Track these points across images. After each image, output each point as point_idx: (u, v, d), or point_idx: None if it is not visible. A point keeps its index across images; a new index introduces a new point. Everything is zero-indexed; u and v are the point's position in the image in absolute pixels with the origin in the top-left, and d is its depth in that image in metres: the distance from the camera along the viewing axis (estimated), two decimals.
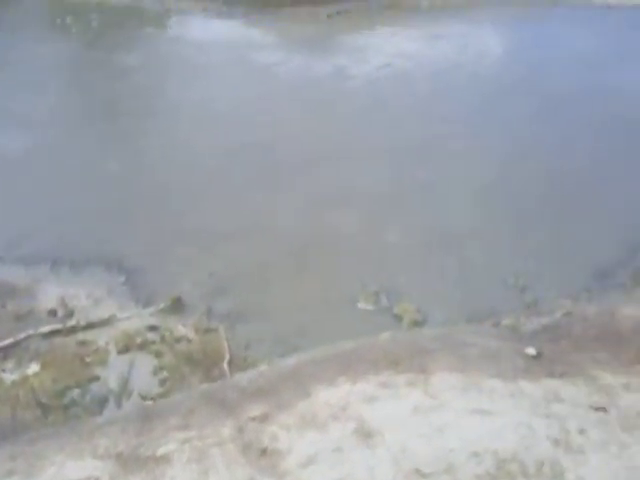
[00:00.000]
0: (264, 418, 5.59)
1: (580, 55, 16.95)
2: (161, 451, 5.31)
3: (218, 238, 9.56)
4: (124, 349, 7.59)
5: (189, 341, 7.74)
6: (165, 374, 7.20)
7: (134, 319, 8.11)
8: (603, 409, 5.53)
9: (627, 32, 19.00)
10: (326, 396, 5.82)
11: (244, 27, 19.36)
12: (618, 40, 18.31)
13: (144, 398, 6.83)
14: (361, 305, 8.42)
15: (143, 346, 7.62)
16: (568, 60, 16.59)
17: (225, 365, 7.32)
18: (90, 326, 7.96)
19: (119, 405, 6.79)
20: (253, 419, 5.58)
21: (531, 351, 6.53)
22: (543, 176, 11.18)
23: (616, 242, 9.58)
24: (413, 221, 9.94)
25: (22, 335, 7.70)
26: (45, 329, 7.84)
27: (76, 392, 6.94)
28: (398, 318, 8.18)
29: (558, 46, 17.80)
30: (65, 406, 6.73)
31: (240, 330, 7.93)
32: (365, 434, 5.28)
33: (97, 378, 7.13)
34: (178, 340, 7.74)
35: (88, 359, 7.43)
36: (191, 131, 12.78)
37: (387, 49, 17.14)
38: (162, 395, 6.82)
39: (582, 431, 5.26)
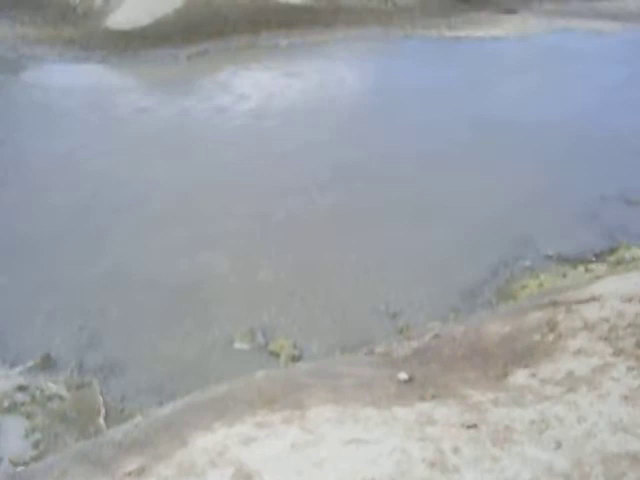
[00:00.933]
0: (140, 472, 5.44)
1: (431, 84, 17.86)
2: None
3: (85, 289, 9.28)
4: None
5: (62, 399, 7.47)
6: (38, 436, 6.92)
7: (1, 381, 7.73)
8: (474, 426, 5.68)
9: (474, 61, 20.19)
10: (203, 442, 5.73)
11: (103, 71, 19.05)
12: (467, 68, 19.36)
13: (15, 464, 6.51)
14: (237, 345, 8.36)
15: (12, 408, 7.27)
16: (420, 90, 17.38)
17: (101, 420, 7.10)
18: None
19: None
20: (129, 474, 5.42)
21: (403, 376, 6.66)
22: (399, 200, 11.55)
23: (478, 261, 9.97)
24: (283, 257, 9.98)
25: None
26: None
27: None
28: (275, 355, 8.19)
29: (411, 76, 18.61)
30: None
31: (115, 382, 7.73)
32: (244, 477, 5.21)
33: None
34: (50, 398, 7.45)
35: None
36: (48, 184, 12.38)
37: (247, 88, 17.34)
38: (36, 458, 6.53)
39: (456, 450, 5.39)
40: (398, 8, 24.69)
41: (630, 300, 7.75)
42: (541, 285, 9.62)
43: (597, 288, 8.48)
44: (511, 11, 26.32)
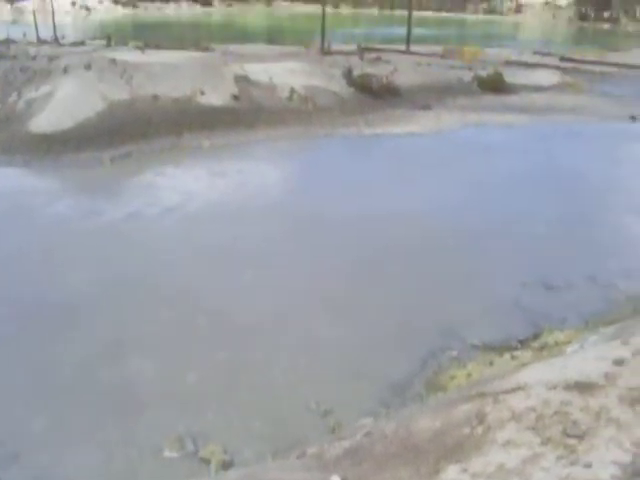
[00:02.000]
0: None
1: (347, 181, 18.42)
2: None
3: None
4: None
5: None
6: None
7: None
8: None
9: (390, 157, 21.06)
10: None
11: (25, 175, 18.90)
12: (384, 164, 20.06)
13: None
14: (167, 453, 8.14)
15: None
16: (343, 188, 17.84)
17: None
18: None
19: None
20: None
21: (335, 479, 6.57)
22: (318, 294, 11.64)
23: (406, 353, 10.04)
24: (211, 358, 9.87)
25: None
26: None
27: None
28: (206, 462, 7.98)
29: (330, 174, 19.13)
30: None
31: None
32: None
33: None
34: None
35: None
36: None
37: (170, 189, 17.45)
38: None
39: None
40: (318, 108, 25.54)
41: (555, 387, 7.89)
42: (469, 375, 9.66)
43: (522, 376, 8.61)
44: (426, 107, 27.50)
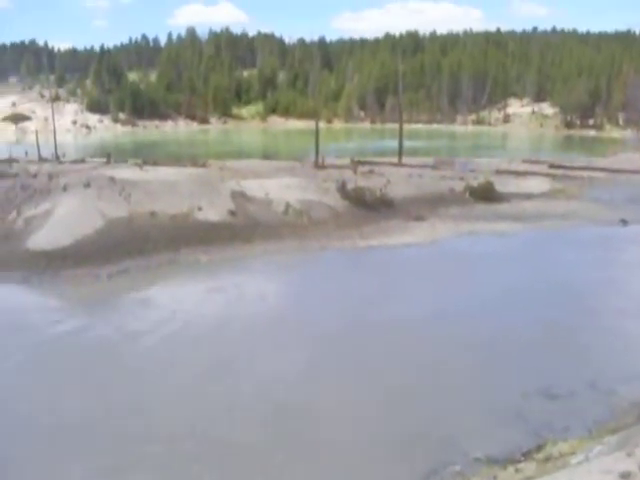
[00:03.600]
0: None
1: (343, 293, 18.56)
2: None
3: None
4: None
5: None
6: None
7: None
8: None
9: (386, 268, 21.27)
10: None
11: (24, 291, 19.00)
12: (379, 276, 20.22)
13: None
14: None
15: None
16: (338, 302, 17.93)
17: None
18: None
19: None
20: None
21: None
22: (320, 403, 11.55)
23: (407, 469, 9.87)
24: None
25: None
26: None
27: None
28: None
29: (325, 287, 19.28)
30: None
31: None
32: None
33: None
34: None
35: None
36: None
37: (168, 305, 17.53)
38: None
39: None
40: (313, 221, 25.95)
41: None
42: None
43: None
44: (420, 218, 27.92)
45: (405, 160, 43.51)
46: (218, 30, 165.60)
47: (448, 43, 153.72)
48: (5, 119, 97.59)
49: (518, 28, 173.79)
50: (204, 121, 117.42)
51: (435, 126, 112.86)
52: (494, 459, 10.20)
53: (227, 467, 10.16)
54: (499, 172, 39.59)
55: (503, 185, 34.15)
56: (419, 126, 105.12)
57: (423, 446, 10.62)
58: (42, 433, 11.11)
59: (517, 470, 9.84)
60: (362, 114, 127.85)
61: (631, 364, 13.69)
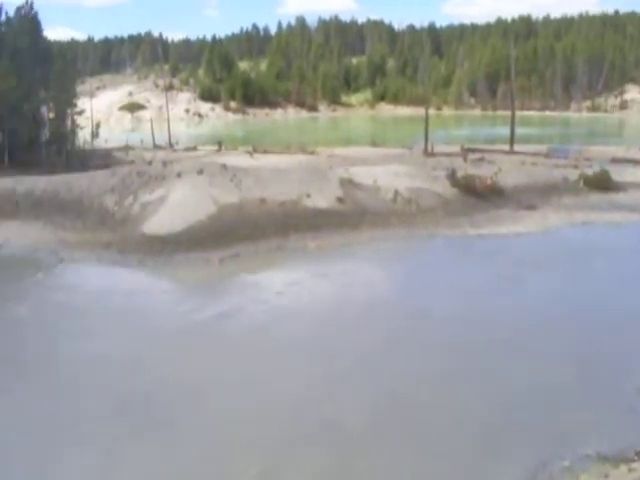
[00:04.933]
0: None
1: (460, 282, 18.28)
2: None
3: None
4: None
5: None
6: None
7: None
8: None
9: (498, 258, 20.79)
10: None
11: (140, 274, 19.72)
12: (491, 266, 19.89)
13: None
14: None
15: None
16: (448, 291, 17.79)
17: None
18: None
19: None
20: None
21: None
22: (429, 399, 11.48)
23: (515, 463, 9.72)
24: None
25: None
26: None
27: None
28: None
29: (435, 276, 19.09)
30: None
31: None
32: None
33: None
34: None
35: None
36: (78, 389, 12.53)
37: (274, 290, 17.84)
38: None
39: None
40: (421, 209, 25.75)
41: None
42: None
43: None
44: (531, 207, 27.24)
45: (517, 148, 42.52)
46: (327, 18, 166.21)
47: (562, 27, 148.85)
48: (122, 108, 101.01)
49: (638, 9, 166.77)
50: (313, 109, 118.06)
51: (548, 113, 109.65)
52: (605, 456, 9.93)
53: None
54: (615, 160, 38.14)
55: (619, 174, 32.87)
56: (531, 113, 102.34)
57: (531, 440, 10.40)
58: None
59: (630, 470, 9.52)
60: (472, 101, 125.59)
61: None
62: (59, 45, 65.93)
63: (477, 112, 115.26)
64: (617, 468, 9.60)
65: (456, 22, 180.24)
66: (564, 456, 9.93)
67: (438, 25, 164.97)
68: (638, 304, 16.65)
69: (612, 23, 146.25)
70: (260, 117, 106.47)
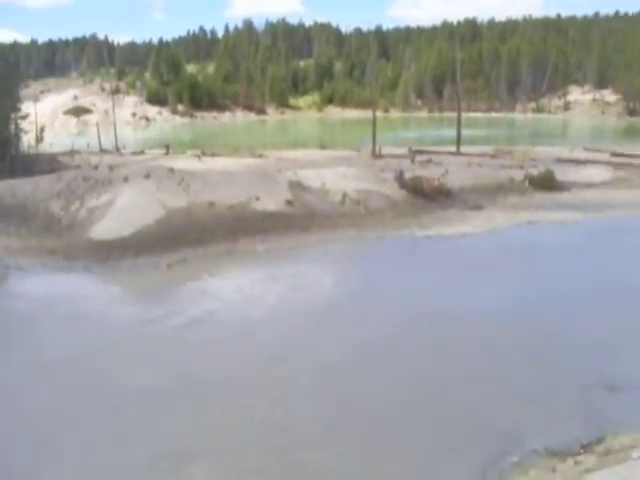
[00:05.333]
0: None
1: (405, 285, 18.43)
2: None
3: None
4: None
5: None
6: None
7: None
8: None
9: (443, 259, 21.06)
10: None
11: (86, 280, 19.42)
12: (436, 267, 20.10)
13: None
14: None
15: None
16: (395, 291, 17.90)
17: None
18: None
19: None
20: None
21: None
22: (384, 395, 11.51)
23: (464, 460, 9.81)
24: None
25: None
26: None
27: None
28: None
29: (383, 278, 19.17)
30: None
31: None
32: None
33: None
34: None
35: None
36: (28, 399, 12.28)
37: (225, 294, 17.76)
38: None
39: None
40: (370, 211, 25.92)
41: None
42: None
43: None
44: (478, 207, 27.63)
45: (463, 149, 43.07)
46: (274, 21, 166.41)
47: (507, 30, 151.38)
48: (67, 112, 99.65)
49: (579, 13, 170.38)
50: (261, 112, 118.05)
51: (494, 114, 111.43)
52: (553, 451, 10.06)
53: None
54: (559, 161, 38.87)
55: (563, 174, 33.54)
56: (477, 115, 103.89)
57: (480, 437, 10.52)
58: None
59: (576, 462, 9.72)
60: (419, 103, 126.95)
61: None
62: (1, 47, 64.70)
63: (424, 114, 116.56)
64: (564, 462, 9.76)
65: (402, 25, 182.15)
66: (513, 452, 10.05)
67: (385, 28, 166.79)
68: (580, 300, 17.02)
69: (555, 27, 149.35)
70: (208, 120, 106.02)
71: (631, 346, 13.95)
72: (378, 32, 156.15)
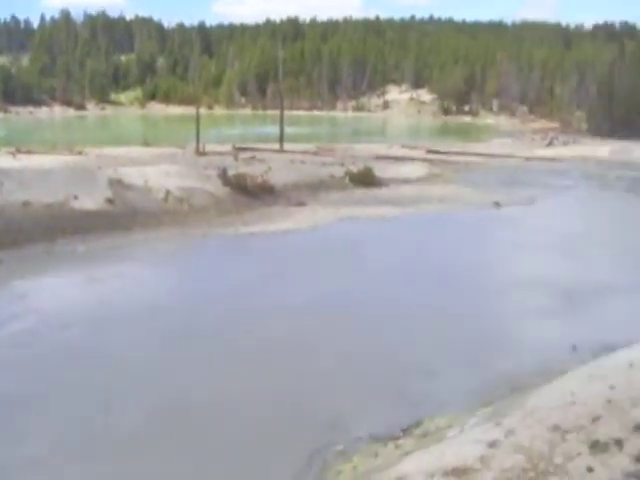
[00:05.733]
0: None
1: (230, 281, 18.56)
2: None
3: None
4: None
5: None
6: None
7: None
8: None
9: (267, 255, 21.45)
10: None
11: None
12: (260, 263, 20.39)
13: None
14: None
15: None
16: (221, 288, 17.97)
17: None
18: None
19: None
20: None
21: None
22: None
23: (290, 452, 9.99)
24: None
25: None
26: None
27: None
28: None
29: (209, 275, 19.15)
30: None
31: None
32: None
33: None
34: None
35: None
36: None
37: (43, 298, 16.96)
38: None
39: None
40: (194, 208, 25.75)
41: (433, 475, 8.14)
42: (355, 468, 9.66)
43: (403, 466, 8.81)
44: (301, 204, 28.20)
45: (287, 146, 43.77)
46: (94, 13, 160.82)
47: (328, 30, 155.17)
48: None
49: (397, 16, 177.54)
50: (81, 107, 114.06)
51: (316, 112, 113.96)
52: (375, 437, 10.39)
53: None
54: (378, 158, 40.44)
55: (382, 170, 34.93)
56: (300, 112, 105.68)
57: (304, 429, 10.73)
58: None
59: (397, 446, 10.09)
60: (243, 100, 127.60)
61: (506, 340, 14.32)
62: None
63: (248, 111, 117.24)
64: (386, 446, 10.15)
65: (226, 22, 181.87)
66: (337, 440, 10.31)
67: (208, 24, 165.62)
68: (394, 288, 17.82)
69: (374, 28, 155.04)
70: (24, 115, 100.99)
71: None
72: (201, 28, 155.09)
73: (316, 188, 30.77)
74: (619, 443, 7.99)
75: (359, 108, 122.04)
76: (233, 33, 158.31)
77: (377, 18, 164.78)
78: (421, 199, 30.41)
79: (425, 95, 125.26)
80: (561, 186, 36.32)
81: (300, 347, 13.96)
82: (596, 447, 7.99)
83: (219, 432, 10.57)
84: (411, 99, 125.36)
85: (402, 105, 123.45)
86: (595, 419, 8.75)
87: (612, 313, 15.99)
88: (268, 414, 11.13)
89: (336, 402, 11.55)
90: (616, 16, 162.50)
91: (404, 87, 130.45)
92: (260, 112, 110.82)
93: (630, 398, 9.21)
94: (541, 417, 9.15)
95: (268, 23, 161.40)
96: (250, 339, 14.34)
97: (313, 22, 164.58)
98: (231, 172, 28.84)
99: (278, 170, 31.78)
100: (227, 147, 41.34)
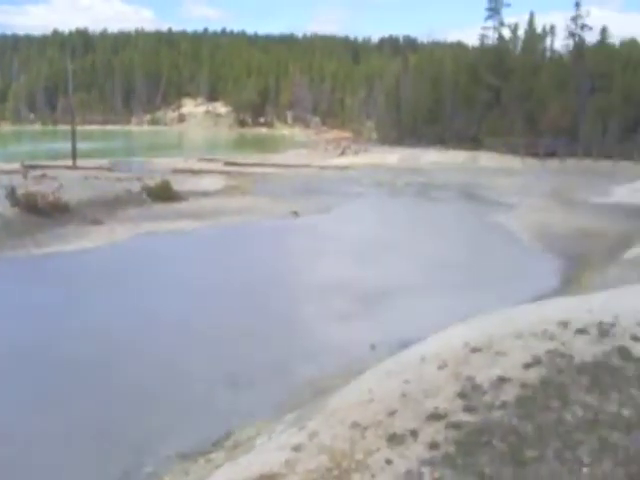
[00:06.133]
0: None
1: (28, 306, 17.65)
2: None
3: None
4: None
5: None
6: None
7: None
8: None
9: (62, 277, 20.44)
10: None
11: None
12: (55, 288, 19.40)
13: None
14: None
15: None
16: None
17: None
18: None
19: None
20: None
21: None
22: None
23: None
24: None
25: None
26: None
27: None
28: None
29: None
30: None
31: None
32: None
33: None
34: None
35: None
36: None
37: None
38: None
39: None
40: None
41: None
42: None
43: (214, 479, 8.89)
44: (97, 221, 27.40)
45: (80, 163, 42.43)
46: None
47: (120, 42, 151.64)
48: None
49: (190, 29, 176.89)
50: None
51: (110, 127, 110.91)
52: (185, 454, 10.31)
53: None
54: (176, 171, 40.22)
55: (180, 184, 34.74)
56: (93, 127, 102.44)
57: (112, 452, 10.47)
58: None
59: (207, 460, 10.06)
60: (32, 116, 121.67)
61: (308, 344, 14.78)
62: None
63: (37, 127, 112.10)
64: (196, 463, 10.10)
65: (8, 32, 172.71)
66: (146, 462, 10.11)
67: None
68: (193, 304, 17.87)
69: (167, 40, 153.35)
70: None
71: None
72: None
73: (112, 204, 29.99)
74: (414, 433, 8.44)
75: (155, 122, 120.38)
76: (17, 44, 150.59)
77: (170, 30, 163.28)
78: (220, 211, 30.57)
79: (221, 108, 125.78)
80: (354, 193, 37.94)
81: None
82: (393, 440, 8.39)
83: None
84: (207, 112, 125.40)
85: (198, 118, 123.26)
86: (391, 413, 9.18)
87: (405, 312, 17.00)
88: None
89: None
90: (400, 30, 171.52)
91: (199, 100, 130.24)
92: (50, 128, 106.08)
93: (423, 390, 9.75)
94: (342, 417, 9.48)
95: (56, 34, 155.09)
96: None
97: (104, 34, 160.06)
98: (20, 191, 27.43)
99: (71, 187, 30.66)
100: (15, 165, 39.33)
